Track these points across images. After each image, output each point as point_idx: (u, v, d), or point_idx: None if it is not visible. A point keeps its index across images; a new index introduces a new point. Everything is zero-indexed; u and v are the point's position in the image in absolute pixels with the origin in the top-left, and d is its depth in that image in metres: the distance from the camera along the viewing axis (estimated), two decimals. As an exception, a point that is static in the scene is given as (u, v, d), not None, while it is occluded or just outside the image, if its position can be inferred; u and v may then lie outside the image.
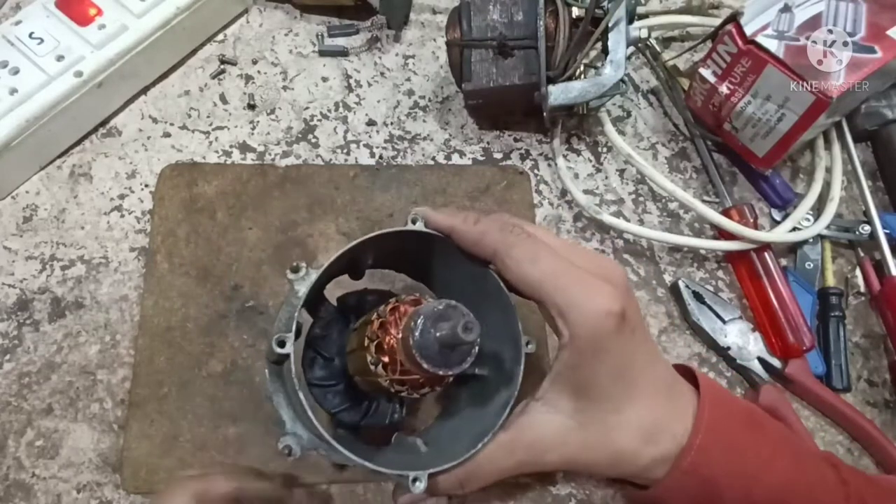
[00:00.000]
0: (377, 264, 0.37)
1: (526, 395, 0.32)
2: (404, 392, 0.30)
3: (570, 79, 0.44)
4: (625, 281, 0.31)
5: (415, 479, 0.29)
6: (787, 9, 0.43)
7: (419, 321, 0.27)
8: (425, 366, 0.27)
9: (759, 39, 0.42)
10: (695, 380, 0.33)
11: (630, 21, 0.44)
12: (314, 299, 0.35)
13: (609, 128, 0.48)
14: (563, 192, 0.49)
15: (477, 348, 0.28)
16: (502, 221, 0.31)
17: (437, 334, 0.27)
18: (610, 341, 0.28)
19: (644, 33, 0.44)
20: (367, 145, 0.49)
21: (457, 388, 0.37)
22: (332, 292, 0.36)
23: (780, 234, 0.46)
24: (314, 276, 0.31)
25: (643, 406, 0.30)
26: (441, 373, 0.27)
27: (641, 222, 0.48)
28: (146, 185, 0.46)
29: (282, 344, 0.29)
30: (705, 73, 0.46)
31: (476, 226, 0.31)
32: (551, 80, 0.44)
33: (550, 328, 0.30)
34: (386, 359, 0.29)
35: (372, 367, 0.29)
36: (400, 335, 0.29)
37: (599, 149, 0.51)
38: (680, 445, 0.30)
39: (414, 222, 0.32)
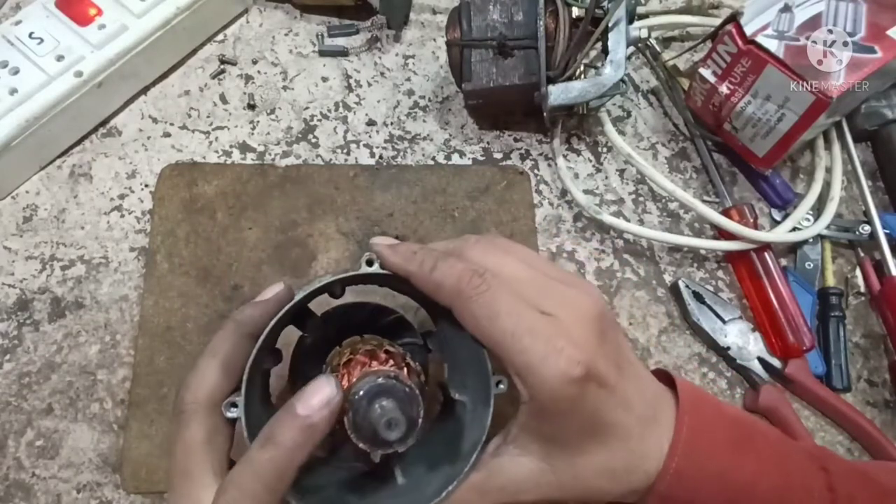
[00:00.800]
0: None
1: (499, 428, 0.31)
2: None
3: (570, 79, 0.44)
4: (598, 314, 0.29)
5: None
6: (787, 9, 0.43)
7: (356, 398, 0.26)
8: (361, 445, 0.27)
9: (759, 39, 0.42)
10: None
11: (630, 21, 0.44)
12: (300, 314, 0.34)
13: (609, 128, 0.48)
14: (563, 192, 0.49)
15: (418, 421, 0.27)
16: (459, 270, 0.28)
17: (370, 420, 0.26)
18: (571, 404, 0.27)
19: (644, 33, 0.44)
20: (367, 145, 0.49)
21: (442, 409, 0.36)
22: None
23: (780, 234, 0.46)
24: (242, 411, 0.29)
25: (614, 449, 0.29)
26: (379, 451, 0.27)
27: (641, 222, 0.48)
28: (146, 185, 0.46)
29: (233, 406, 0.28)
30: (705, 73, 0.46)
31: (432, 274, 0.29)
32: (551, 80, 0.44)
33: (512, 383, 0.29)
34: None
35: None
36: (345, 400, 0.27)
37: (599, 149, 0.51)
38: (652, 478, 0.29)
39: (370, 263, 0.31)
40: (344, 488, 0.32)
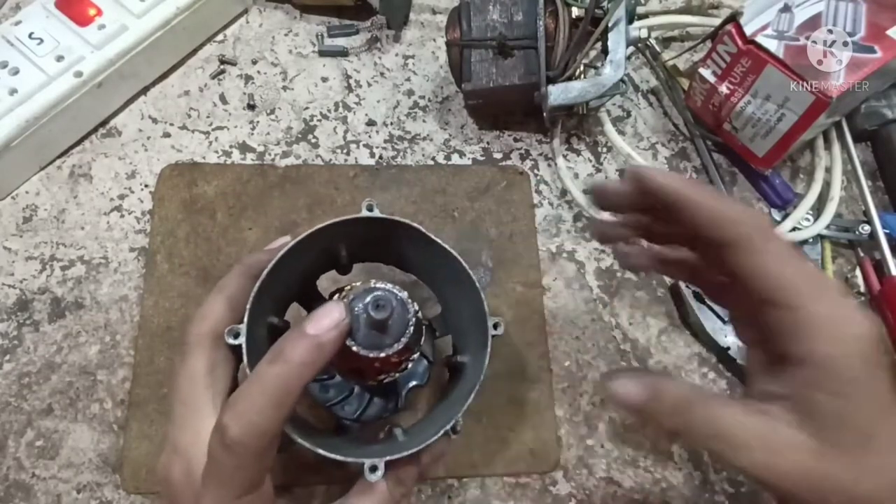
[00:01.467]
0: (360, 257, 0.36)
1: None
2: (368, 381, 0.30)
3: (570, 79, 0.44)
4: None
5: (373, 468, 0.28)
6: (786, 9, 0.43)
7: (353, 302, 0.27)
8: (354, 349, 0.27)
9: (759, 39, 0.42)
10: None
11: (630, 21, 0.44)
12: (307, 294, 0.35)
13: (609, 128, 0.48)
14: (563, 192, 0.49)
15: (412, 327, 0.28)
16: (753, 212, 0.26)
17: (359, 316, 0.26)
18: (871, 372, 0.23)
19: (644, 33, 0.44)
20: (366, 145, 0.49)
21: (450, 377, 0.37)
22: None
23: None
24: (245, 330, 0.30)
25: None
26: (372, 355, 0.27)
27: (641, 222, 0.48)
28: (146, 186, 0.46)
29: (235, 335, 0.29)
30: (705, 73, 0.46)
31: (722, 205, 0.26)
32: (551, 80, 0.44)
33: (767, 338, 0.25)
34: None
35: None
36: None
37: (599, 149, 0.51)
38: None
39: (370, 209, 0.32)
40: (342, 437, 0.33)
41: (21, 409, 0.40)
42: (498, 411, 0.42)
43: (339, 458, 0.28)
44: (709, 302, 0.45)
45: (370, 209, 0.32)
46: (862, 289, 0.47)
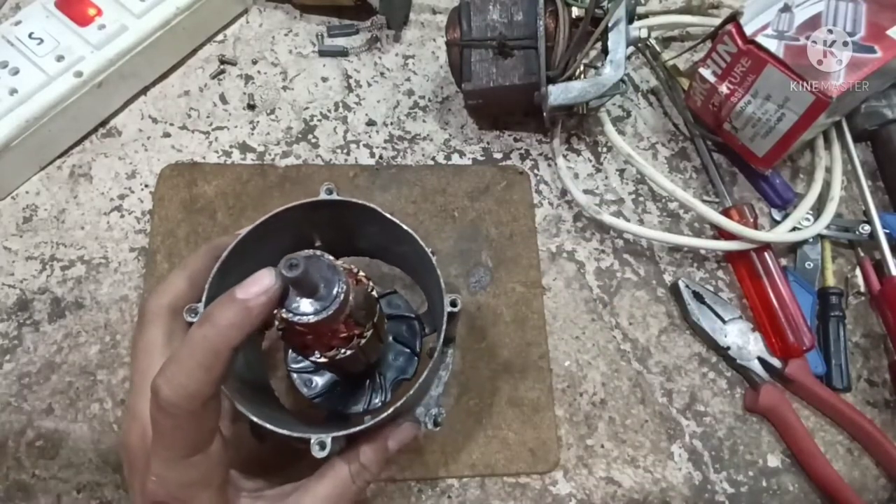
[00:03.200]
0: (337, 249, 0.35)
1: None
2: (318, 355, 0.29)
3: (570, 79, 0.44)
4: None
5: (322, 444, 0.28)
6: (786, 9, 0.43)
7: (279, 270, 0.27)
8: (283, 314, 0.27)
9: (759, 39, 0.42)
10: None
11: (630, 21, 0.44)
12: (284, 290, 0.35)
13: (609, 128, 0.48)
14: (563, 192, 0.49)
15: (342, 294, 0.27)
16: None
17: (292, 281, 0.26)
18: None
19: (644, 33, 0.44)
20: (366, 145, 0.49)
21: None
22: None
23: (780, 234, 0.46)
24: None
25: None
26: (298, 321, 0.26)
27: (641, 222, 0.48)
28: (146, 186, 0.46)
29: (194, 313, 0.29)
30: (705, 72, 0.46)
31: None
32: (551, 80, 0.44)
33: None
34: (281, 325, 0.29)
35: (279, 335, 0.29)
36: None
37: (599, 149, 0.51)
38: None
39: (329, 192, 0.32)
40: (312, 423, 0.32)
41: (21, 409, 0.40)
42: (498, 411, 0.42)
43: (285, 432, 0.28)
44: (709, 302, 0.45)
45: (329, 192, 0.32)
46: (862, 289, 0.47)
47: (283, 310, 0.26)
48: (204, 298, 0.29)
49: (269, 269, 0.26)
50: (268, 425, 0.28)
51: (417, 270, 0.36)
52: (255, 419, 0.28)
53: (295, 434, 0.28)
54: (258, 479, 0.31)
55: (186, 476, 0.26)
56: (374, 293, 0.30)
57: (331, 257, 0.28)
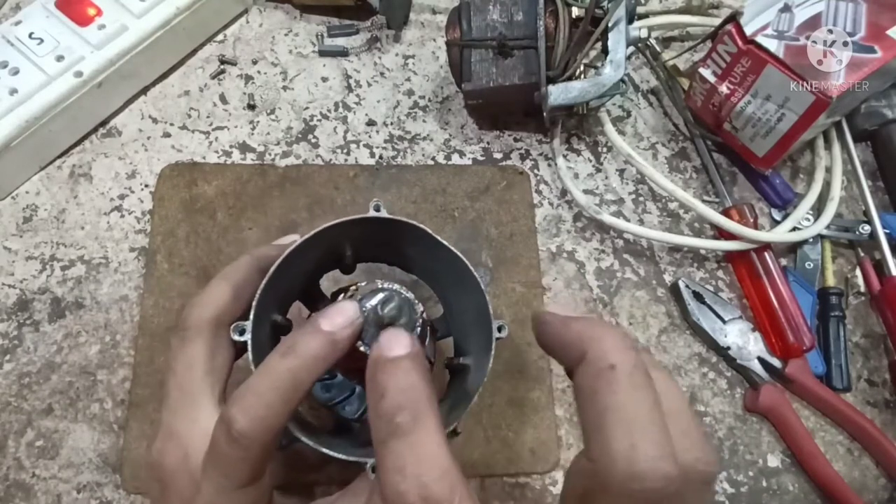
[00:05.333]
0: (364, 257, 0.36)
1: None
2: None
3: (570, 79, 0.44)
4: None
5: (375, 467, 0.28)
6: (786, 9, 0.43)
7: (362, 301, 0.27)
8: (362, 349, 0.27)
9: (759, 39, 0.42)
10: None
11: (630, 21, 0.44)
12: (310, 293, 0.35)
13: (609, 128, 0.48)
14: (563, 192, 0.49)
15: (419, 328, 0.28)
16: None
17: (367, 315, 0.26)
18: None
19: (644, 33, 0.44)
20: (367, 145, 0.49)
21: (451, 379, 0.37)
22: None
23: (780, 234, 0.46)
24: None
25: None
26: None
27: (641, 222, 0.48)
28: (146, 186, 0.46)
29: (241, 332, 0.28)
30: (705, 72, 0.46)
31: (577, 331, 0.25)
32: (551, 80, 0.44)
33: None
34: None
35: None
36: None
37: (599, 149, 0.51)
38: None
39: (377, 209, 0.31)
40: (342, 437, 0.33)
41: (21, 409, 0.40)
42: (498, 411, 0.42)
43: (342, 457, 0.28)
44: (709, 302, 0.45)
45: (377, 209, 0.32)
46: (862, 289, 0.47)
47: (360, 342, 0.26)
48: (252, 315, 0.28)
49: (352, 301, 0.27)
50: (332, 452, 0.27)
51: (445, 286, 0.35)
52: (324, 449, 0.27)
53: (351, 458, 0.28)
54: (292, 496, 0.30)
55: None
56: (426, 317, 0.30)
57: (410, 294, 0.28)
